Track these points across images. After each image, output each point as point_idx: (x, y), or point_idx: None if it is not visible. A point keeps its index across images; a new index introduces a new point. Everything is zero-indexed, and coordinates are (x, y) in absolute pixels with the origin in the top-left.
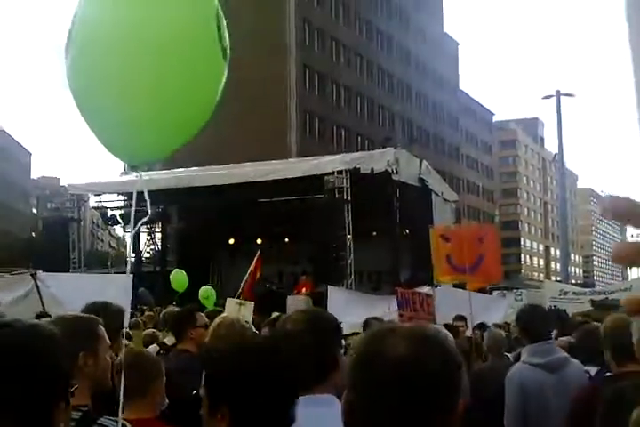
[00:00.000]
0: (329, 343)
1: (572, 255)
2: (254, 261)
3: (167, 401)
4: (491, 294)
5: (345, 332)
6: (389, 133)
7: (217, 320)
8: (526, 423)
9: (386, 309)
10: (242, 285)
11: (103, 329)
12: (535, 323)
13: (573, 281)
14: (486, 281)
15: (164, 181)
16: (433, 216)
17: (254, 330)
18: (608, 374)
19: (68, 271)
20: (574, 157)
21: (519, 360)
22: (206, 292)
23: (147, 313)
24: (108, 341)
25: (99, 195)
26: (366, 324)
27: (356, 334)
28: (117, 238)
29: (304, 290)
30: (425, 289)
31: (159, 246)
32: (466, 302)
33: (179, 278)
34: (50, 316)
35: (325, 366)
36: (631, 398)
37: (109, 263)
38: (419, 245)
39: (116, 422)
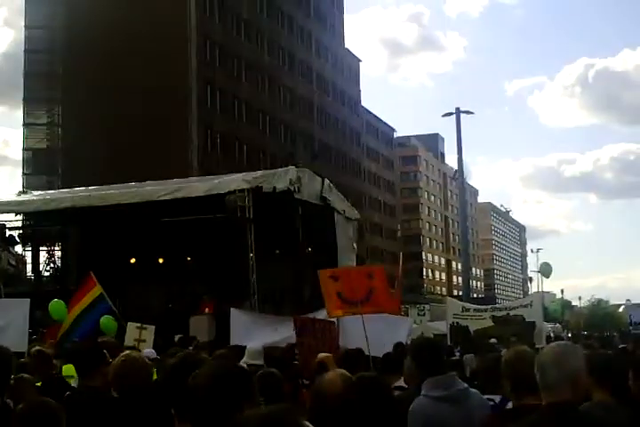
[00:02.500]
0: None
1: (474, 269)
2: (87, 284)
3: None
4: None
5: (247, 359)
6: (292, 149)
7: (120, 358)
8: None
9: (290, 331)
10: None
11: None
12: (430, 354)
13: (475, 295)
14: (380, 311)
15: (62, 200)
16: (336, 234)
17: (155, 356)
18: (508, 406)
19: None
20: (475, 173)
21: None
22: (105, 324)
23: (49, 341)
24: None
25: None
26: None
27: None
28: (16, 255)
29: (207, 310)
30: (322, 314)
31: (59, 265)
32: (362, 326)
33: (56, 308)
34: None
35: None
36: None
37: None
38: (322, 263)
39: None
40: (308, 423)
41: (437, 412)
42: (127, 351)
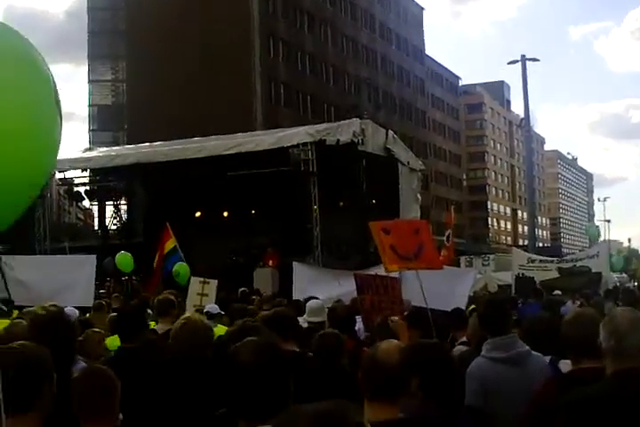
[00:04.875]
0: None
1: (539, 218)
2: (163, 236)
3: (121, 417)
4: (458, 260)
5: (307, 316)
6: (356, 100)
7: (180, 321)
8: (489, 419)
9: (353, 285)
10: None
11: None
12: (495, 316)
13: (541, 244)
14: (430, 267)
15: (128, 157)
16: (399, 186)
17: (218, 311)
18: (561, 368)
19: (33, 247)
20: (541, 120)
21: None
22: (178, 269)
23: (113, 296)
24: None
25: (63, 171)
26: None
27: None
28: (84, 210)
29: (270, 262)
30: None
31: (125, 220)
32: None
33: (123, 260)
34: (13, 303)
35: None
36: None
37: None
38: (386, 215)
39: None
40: (365, 422)
41: (496, 374)
42: (188, 314)
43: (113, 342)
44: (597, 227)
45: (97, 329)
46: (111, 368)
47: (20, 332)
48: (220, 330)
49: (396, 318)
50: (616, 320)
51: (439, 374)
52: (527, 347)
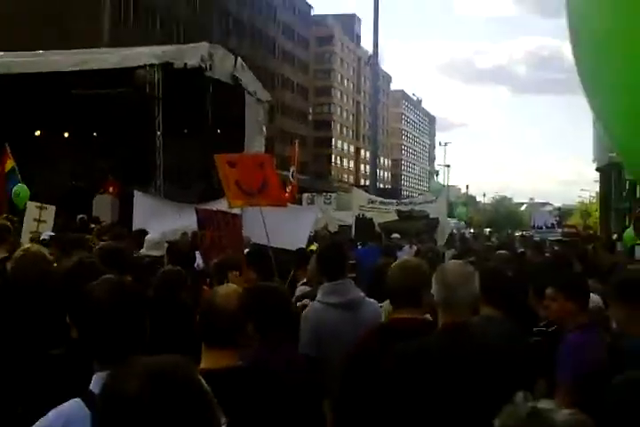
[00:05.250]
0: None
1: (382, 159)
2: (2, 156)
3: None
4: (300, 197)
5: (145, 250)
6: (206, 22)
7: (20, 251)
8: (322, 364)
9: (193, 219)
10: None
11: None
12: (331, 261)
13: (382, 185)
14: (275, 204)
15: None
16: (245, 116)
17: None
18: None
19: None
20: (389, 59)
21: None
22: (18, 190)
23: None
24: None
25: None
26: None
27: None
28: None
29: (111, 189)
30: (225, 204)
31: None
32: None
33: None
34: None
35: None
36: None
37: None
38: (230, 145)
39: None
40: (201, 379)
41: (329, 318)
42: (28, 245)
43: None
44: (441, 185)
45: None
46: None
47: None
48: None
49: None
50: (447, 273)
51: (275, 318)
52: (362, 293)
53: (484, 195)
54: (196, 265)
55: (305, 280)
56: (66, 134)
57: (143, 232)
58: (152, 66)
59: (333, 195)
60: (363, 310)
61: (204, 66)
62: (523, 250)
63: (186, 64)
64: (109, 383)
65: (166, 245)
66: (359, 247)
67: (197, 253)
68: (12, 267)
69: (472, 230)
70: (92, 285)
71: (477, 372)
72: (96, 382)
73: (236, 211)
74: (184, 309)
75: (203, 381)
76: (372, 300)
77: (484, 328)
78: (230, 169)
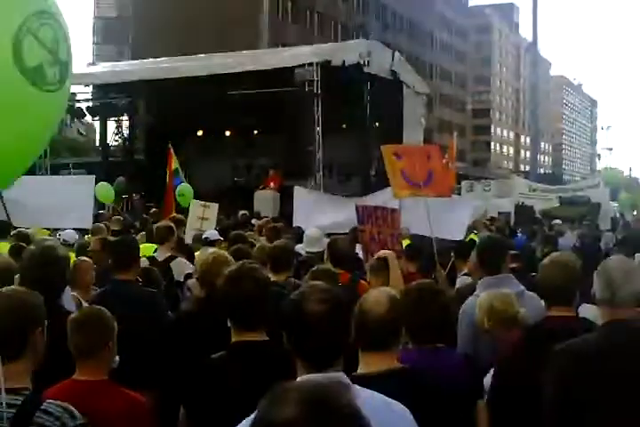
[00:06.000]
0: None
1: (542, 143)
2: (168, 157)
3: (117, 359)
4: (459, 184)
5: (305, 246)
6: (364, 19)
7: (211, 255)
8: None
9: (354, 214)
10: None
11: None
12: (492, 254)
13: (542, 170)
14: (440, 195)
15: (131, 73)
16: (403, 109)
17: (218, 237)
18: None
19: (33, 162)
20: (548, 45)
21: None
22: (182, 189)
23: (113, 218)
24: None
25: None
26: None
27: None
28: (87, 125)
29: (272, 184)
30: (387, 195)
31: (126, 137)
32: (425, 211)
33: (103, 191)
34: (10, 224)
35: None
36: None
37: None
38: (388, 139)
39: (63, 407)
40: (355, 402)
41: None
42: (216, 249)
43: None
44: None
45: (85, 258)
46: (103, 302)
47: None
48: None
49: (388, 251)
50: (610, 269)
51: (424, 320)
52: (522, 287)
53: None
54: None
55: (466, 271)
56: (227, 133)
57: (301, 228)
58: (311, 64)
59: (493, 182)
60: (522, 305)
61: (362, 62)
62: None
63: (344, 61)
64: (264, 410)
65: (326, 240)
66: (519, 235)
67: (358, 246)
68: (201, 270)
69: (635, 213)
70: (302, 293)
71: None
72: None
73: (394, 202)
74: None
75: (359, 407)
76: (532, 294)
77: None
78: (397, 160)
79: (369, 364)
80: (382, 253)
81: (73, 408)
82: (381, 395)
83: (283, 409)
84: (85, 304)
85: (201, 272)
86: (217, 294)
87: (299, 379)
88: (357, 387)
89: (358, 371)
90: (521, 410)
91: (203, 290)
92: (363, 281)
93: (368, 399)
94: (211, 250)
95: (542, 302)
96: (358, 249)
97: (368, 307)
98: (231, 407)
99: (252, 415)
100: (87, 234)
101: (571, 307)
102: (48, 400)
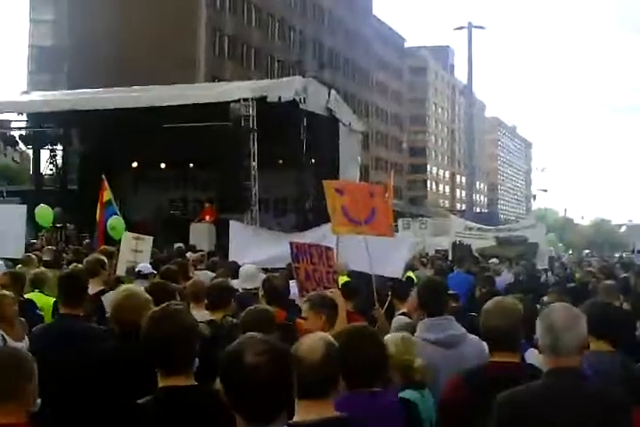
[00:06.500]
0: None
1: (478, 183)
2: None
3: (39, 402)
4: (396, 221)
5: (240, 282)
6: (301, 56)
7: (122, 292)
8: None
9: (288, 250)
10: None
11: None
12: (434, 297)
13: (478, 209)
14: (380, 234)
15: (65, 103)
16: (339, 146)
17: (151, 271)
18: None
19: None
20: (483, 87)
21: None
22: (113, 223)
23: (45, 248)
24: None
25: None
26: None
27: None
28: (21, 153)
29: (207, 218)
30: (325, 231)
31: (60, 167)
32: (363, 243)
33: (43, 214)
34: None
35: None
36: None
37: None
38: (325, 175)
39: None
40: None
41: (429, 355)
42: (128, 285)
43: (40, 299)
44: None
45: (5, 292)
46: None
47: None
48: None
49: (334, 289)
50: (553, 316)
51: (359, 364)
52: (463, 329)
53: (583, 217)
54: (291, 295)
55: (404, 311)
56: (162, 165)
57: (237, 264)
58: (247, 100)
59: (429, 220)
60: (464, 348)
61: (297, 99)
62: (625, 275)
63: (280, 97)
64: None
65: (262, 276)
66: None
67: (292, 283)
68: (113, 307)
69: (571, 252)
70: (241, 345)
71: (592, 421)
72: None
73: (331, 239)
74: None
75: None
76: (473, 336)
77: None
78: (339, 196)
79: (304, 412)
80: (328, 291)
81: None
82: None
83: None
84: (9, 339)
85: (112, 311)
86: (139, 335)
87: None
88: None
89: (294, 419)
90: None
91: (116, 328)
92: (299, 319)
93: None
94: (130, 286)
95: (484, 345)
96: (293, 285)
97: (303, 354)
98: None
99: None
100: (18, 264)
101: (515, 353)
102: None
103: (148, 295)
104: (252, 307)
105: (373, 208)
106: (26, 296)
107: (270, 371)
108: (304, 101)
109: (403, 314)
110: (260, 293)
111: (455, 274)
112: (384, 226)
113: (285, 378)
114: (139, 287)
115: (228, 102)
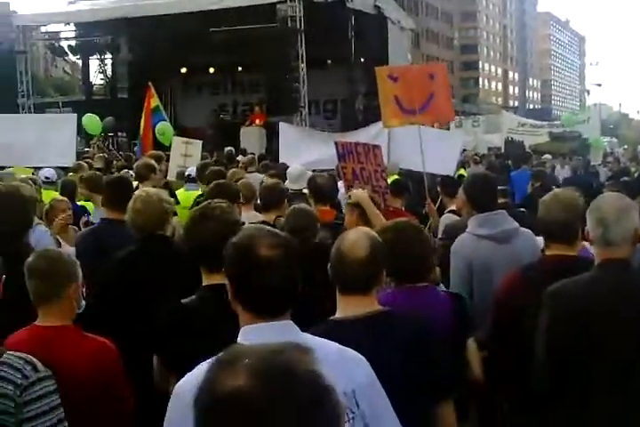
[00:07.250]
0: None
1: (531, 79)
2: (147, 95)
3: (83, 303)
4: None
5: (288, 183)
6: None
7: (137, 193)
8: (472, 295)
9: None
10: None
11: None
12: (482, 192)
13: (531, 106)
14: (437, 121)
15: (113, 11)
16: (389, 45)
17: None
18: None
19: (16, 102)
20: None
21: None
22: (162, 128)
23: (96, 156)
24: None
25: (45, 25)
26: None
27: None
28: (72, 63)
29: (257, 121)
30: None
31: (110, 75)
32: (417, 140)
33: (91, 123)
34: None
35: None
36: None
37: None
38: (374, 74)
39: (24, 359)
40: (315, 369)
41: (480, 251)
42: (148, 188)
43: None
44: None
45: (61, 197)
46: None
47: None
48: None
49: (354, 191)
50: (603, 208)
51: (404, 259)
52: (516, 224)
53: (638, 112)
54: (340, 195)
55: (453, 208)
56: (211, 70)
57: (286, 165)
58: (293, 0)
59: (481, 117)
60: (517, 243)
61: None
62: None
63: None
64: (212, 376)
65: (309, 175)
66: (512, 172)
67: (340, 183)
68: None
69: (625, 147)
70: (251, 238)
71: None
72: (245, 335)
73: (381, 138)
74: (318, 250)
75: (320, 374)
76: (526, 230)
77: None
78: (392, 84)
79: (347, 307)
80: (352, 193)
81: (35, 360)
82: (335, 343)
83: (232, 378)
84: (64, 243)
85: (128, 218)
86: (184, 235)
87: (250, 333)
88: (309, 336)
89: (336, 315)
90: (517, 348)
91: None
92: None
93: (320, 348)
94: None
95: (537, 239)
96: (341, 185)
97: (346, 249)
98: (205, 352)
99: (206, 366)
100: (70, 172)
101: (572, 246)
102: (8, 352)
103: (164, 196)
104: (294, 205)
105: (432, 93)
106: (79, 203)
107: (285, 264)
108: (351, 0)
109: (451, 211)
110: (308, 193)
111: (521, 171)
112: (444, 111)
113: (297, 271)
114: (154, 189)
115: (275, 4)
